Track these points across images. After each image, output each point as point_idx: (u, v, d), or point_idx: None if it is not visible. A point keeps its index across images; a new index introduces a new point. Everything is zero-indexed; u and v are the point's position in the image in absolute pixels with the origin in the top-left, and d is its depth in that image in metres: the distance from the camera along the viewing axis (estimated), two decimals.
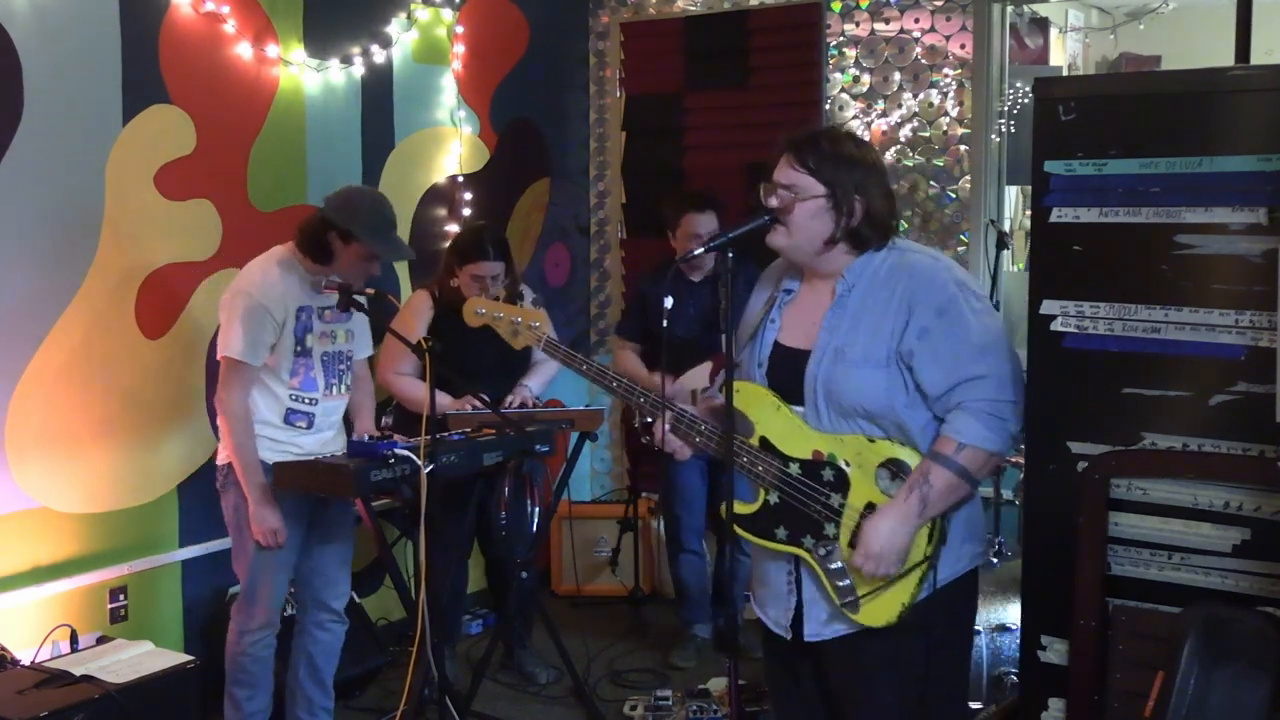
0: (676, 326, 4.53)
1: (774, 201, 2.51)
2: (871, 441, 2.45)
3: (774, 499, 2.53)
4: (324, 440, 3.71)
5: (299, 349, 3.62)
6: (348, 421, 3.89)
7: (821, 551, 2.48)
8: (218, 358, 3.61)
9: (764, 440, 2.54)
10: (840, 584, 2.47)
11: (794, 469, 2.51)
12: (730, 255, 2.51)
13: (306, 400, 3.67)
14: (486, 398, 3.91)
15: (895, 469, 2.44)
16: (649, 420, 4.70)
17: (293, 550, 3.67)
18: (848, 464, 2.47)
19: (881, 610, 2.45)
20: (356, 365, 3.88)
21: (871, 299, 2.48)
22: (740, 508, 2.57)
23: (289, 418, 3.65)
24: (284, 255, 3.64)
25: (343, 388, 3.77)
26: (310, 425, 3.68)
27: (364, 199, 3.67)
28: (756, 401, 2.55)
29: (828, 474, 2.48)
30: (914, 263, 2.49)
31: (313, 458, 3.58)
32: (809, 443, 2.50)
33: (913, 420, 2.45)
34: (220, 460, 3.67)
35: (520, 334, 2.83)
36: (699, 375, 4.60)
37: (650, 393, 2.67)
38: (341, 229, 3.55)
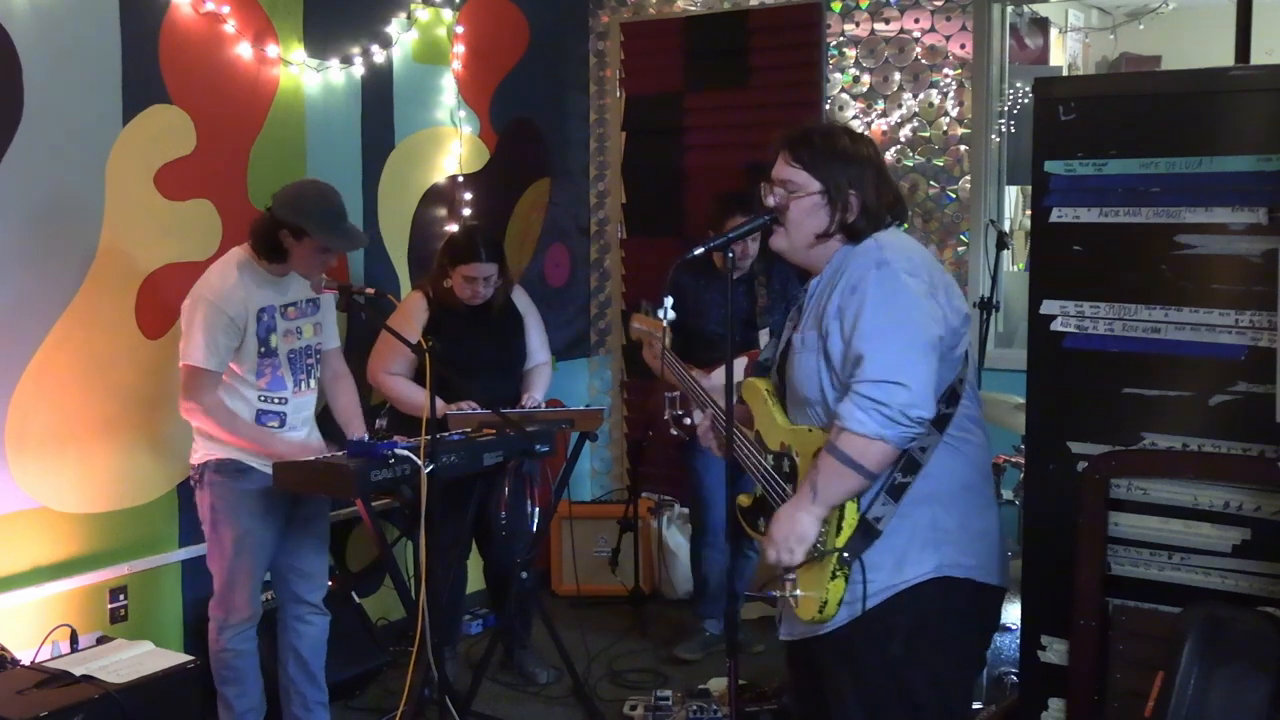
0: (711, 323, 4.55)
1: (772, 200, 2.52)
2: (810, 431, 2.47)
3: (759, 491, 2.58)
4: (301, 443, 3.71)
5: (263, 350, 3.61)
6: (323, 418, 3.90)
7: None
8: (179, 365, 3.58)
9: (757, 434, 2.58)
10: (788, 577, 2.47)
11: (769, 461, 2.54)
12: (731, 255, 2.55)
13: (276, 400, 3.67)
14: (477, 405, 3.92)
15: None
16: (680, 414, 4.72)
17: (268, 541, 3.68)
18: (797, 455, 2.48)
19: (807, 604, 2.43)
20: (335, 361, 3.89)
21: (827, 289, 2.50)
22: (743, 499, 2.63)
23: (260, 419, 3.65)
24: (242, 257, 3.62)
25: (311, 382, 3.77)
26: (282, 424, 3.68)
27: (310, 192, 3.62)
28: (753, 396, 2.59)
29: (785, 465, 2.51)
30: (859, 248, 2.49)
31: (313, 458, 3.58)
32: (779, 435, 2.54)
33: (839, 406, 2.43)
34: (195, 460, 3.68)
35: (652, 345, 3.00)
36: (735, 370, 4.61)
37: (710, 398, 2.75)
38: (292, 225, 3.52)
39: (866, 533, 2.39)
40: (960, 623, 2.50)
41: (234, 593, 3.65)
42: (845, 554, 2.38)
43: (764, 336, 4.44)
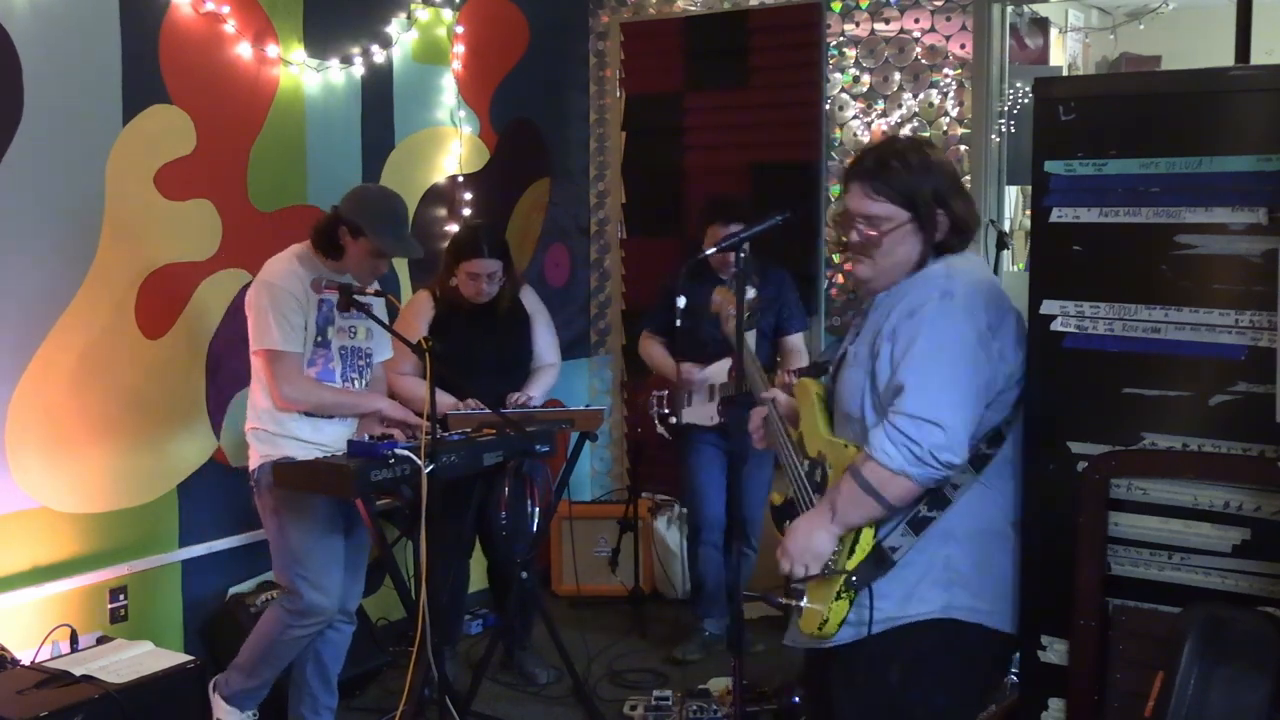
0: (704, 322, 4.55)
1: (855, 236, 2.45)
2: (846, 447, 2.44)
3: (791, 493, 2.57)
4: (344, 434, 3.73)
5: (319, 340, 3.66)
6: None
7: None
8: (253, 351, 3.63)
9: (800, 436, 2.57)
10: (797, 586, 2.46)
11: (805, 467, 2.53)
12: (744, 254, 2.52)
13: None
14: (484, 405, 3.92)
15: None
16: (666, 413, 4.73)
17: (336, 535, 3.68)
18: (830, 467, 2.47)
19: (809, 618, 2.42)
20: (377, 370, 3.92)
21: (882, 304, 2.47)
22: (775, 497, 2.63)
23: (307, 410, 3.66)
24: (302, 250, 3.70)
25: (361, 384, 3.80)
26: (329, 416, 3.70)
27: (375, 195, 3.77)
28: (803, 397, 2.57)
29: (818, 475, 2.50)
30: (927, 270, 2.44)
31: (313, 458, 3.59)
32: (818, 443, 2.53)
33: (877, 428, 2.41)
34: (252, 465, 3.70)
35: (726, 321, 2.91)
36: (720, 370, 4.62)
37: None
38: (351, 223, 3.60)
39: (880, 561, 2.37)
40: (964, 664, 2.49)
41: (314, 592, 3.62)
42: (854, 578, 2.36)
43: (752, 339, 4.53)
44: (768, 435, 2.67)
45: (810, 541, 2.38)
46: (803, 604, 2.43)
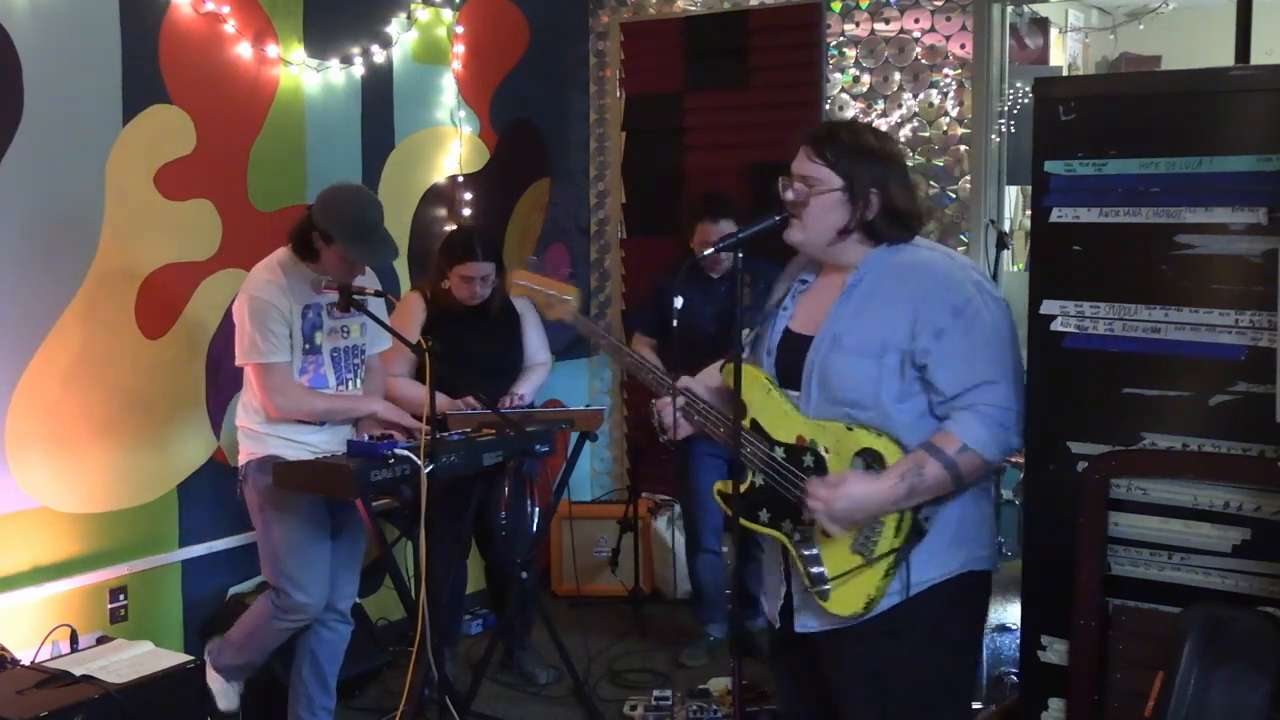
0: (695, 322, 4.53)
1: (790, 195, 2.51)
2: (850, 429, 2.45)
3: (759, 481, 2.56)
4: (336, 437, 3.72)
5: (308, 347, 3.64)
6: None
7: (797, 536, 2.50)
8: (238, 364, 3.63)
9: (754, 422, 2.56)
10: (814, 570, 2.48)
11: (779, 453, 2.53)
12: (741, 255, 2.53)
13: None
14: (483, 397, 3.92)
15: (870, 459, 2.43)
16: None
17: (321, 534, 3.68)
18: (827, 450, 2.48)
19: (848, 599, 2.45)
20: (373, 361, 3.90)
21: (879, 291, 2.48)
22: (724, 485, 2.62)
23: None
24: (285, 256, 3.66)
25: (356, 382, 3.79)
26: (322, 422, 3.69)
27: (345, 199, 3.62)
28: (751, 384, 2.56)
29: (808, 459, 2.49)
30: (928, 260, 2.48)
31: (313, 458, 3.59)
32: (794, 428, 2.52)
33: (900, 414, 2.44)
34: (240, 461, 3.70)
35: (554, 306, 2.92)
36: (712, 374, 4.61)
37: (658, 371, 2.74)
38: (323, 230, 3.55)
39: (918, 533, 2.44)
40: (974, 611, 2.62)
41: (297, 592, 3.63)
42: (900, 553, 2.42)
43: (746, 336, 4.54)
44: (694, 424, 2.65)
45: (860, 512, 2.40)
46: (827, 588, 2.46)
